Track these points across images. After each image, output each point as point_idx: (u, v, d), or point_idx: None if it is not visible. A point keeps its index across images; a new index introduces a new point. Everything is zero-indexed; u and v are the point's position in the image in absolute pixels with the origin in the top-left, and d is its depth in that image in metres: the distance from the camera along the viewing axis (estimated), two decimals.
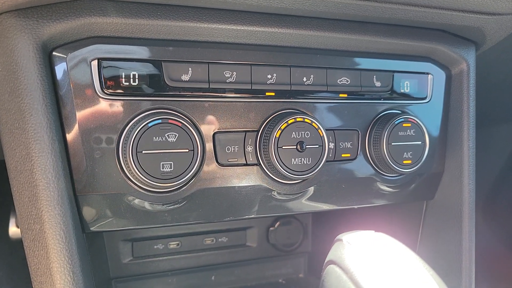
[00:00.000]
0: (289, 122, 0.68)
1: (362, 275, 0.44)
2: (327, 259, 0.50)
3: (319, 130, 0.70)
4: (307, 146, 0.69)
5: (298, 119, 0.68)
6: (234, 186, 0.69)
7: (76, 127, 0.59)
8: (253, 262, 1.15)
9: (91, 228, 0.63)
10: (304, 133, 0.69)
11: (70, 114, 0.59)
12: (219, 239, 1.11)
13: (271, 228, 1.16)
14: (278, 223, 1.16)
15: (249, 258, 1.14)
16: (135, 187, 0.63)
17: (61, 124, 0.59)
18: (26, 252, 0.58)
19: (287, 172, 0.68)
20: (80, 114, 0.60)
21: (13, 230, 1.28)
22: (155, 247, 1.05)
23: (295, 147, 0.68)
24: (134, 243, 1.03)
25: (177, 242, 1.07)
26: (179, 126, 0.61)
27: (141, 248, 1.04)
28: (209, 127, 0.66)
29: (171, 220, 0.67)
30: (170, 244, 1.06)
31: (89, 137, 0.60)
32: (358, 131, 0.77)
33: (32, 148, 0.55)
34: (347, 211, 1.09)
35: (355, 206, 0.80)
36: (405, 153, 0.77)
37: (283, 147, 0.68)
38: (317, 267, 1.20)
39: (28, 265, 0.59)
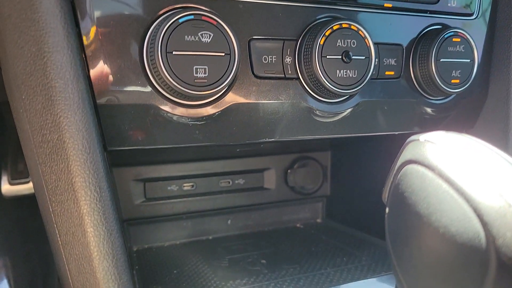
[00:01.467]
0: (334, 28, 0.59)
1: (452, 169, 0.37)
2: (401, 161, 0.43)
3: (366, 40, 0.62)
4: (353, 57, 0.61)
5: (344, 25, 0.60)
6: (271, 102, 0.61)
7: (93, 21, 0.50)
8: (270, 206, 1.09)
9: (113, 146, 0.55)
10: (350, 42, 0.61)
11: (84, 6, 0.50)
12: (236, 181, 1.04)
13: (289, 170, 1.09)
14: (296, 165, 1.10)
15: (266, 201, 1.08)
16: (161, 97, 0.54)
17: (74, 18, 0.50)
18: (41, 170, 0.50)
19: (331, 85, 0.60)
20: (97, 6, 0.50)
21: (6, 187, 1.19)
22: (169, 188, 0.98)
23: (340, 57, 0.60)
24: (147, 183, 0.95)
25: (192, 184, 1.00)
26: (213, 25, 0.53)
27: (154, 189, 0.96)
28: (244, 32, 0.58)
29: (202, 138, 0.59)
30: (184, 186, 0.99)
31: (108, 34, 0.51)
32: (402, 47, 0.69)
33: (44, 42, 0.46)
34: (368, 152, 1.02)
35: (396, 132, 0.74)
36: (453, 71, 0.70)
37: (327, 57, 0.60)
38: (335, 212, 1.15)
39: (42, 187, 0.51)
